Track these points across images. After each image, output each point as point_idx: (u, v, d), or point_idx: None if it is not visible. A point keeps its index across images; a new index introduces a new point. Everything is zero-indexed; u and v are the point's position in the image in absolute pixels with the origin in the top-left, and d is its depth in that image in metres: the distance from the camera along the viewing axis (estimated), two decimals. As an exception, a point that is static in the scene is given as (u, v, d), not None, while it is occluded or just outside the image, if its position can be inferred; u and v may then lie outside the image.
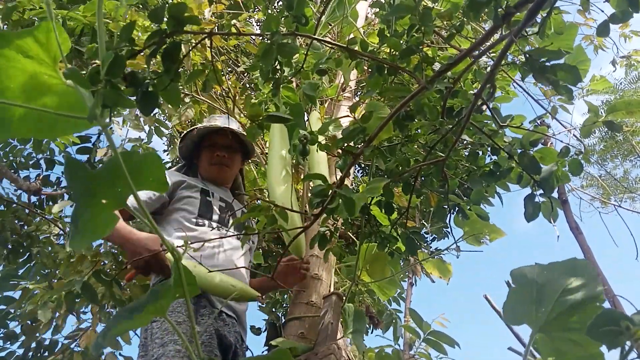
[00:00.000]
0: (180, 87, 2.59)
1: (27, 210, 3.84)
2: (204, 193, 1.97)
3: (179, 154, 2.20)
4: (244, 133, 2.06)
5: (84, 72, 0.65)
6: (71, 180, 0.62)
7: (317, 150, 1.12)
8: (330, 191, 1.01)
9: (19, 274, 3.61)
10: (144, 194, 1.80)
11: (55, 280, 3.02)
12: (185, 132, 2.17)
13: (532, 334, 0.63)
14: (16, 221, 3.86)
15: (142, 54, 0.76)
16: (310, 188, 2.00)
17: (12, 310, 3.23)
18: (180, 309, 1.64)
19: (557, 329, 0.61)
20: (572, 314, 0.61)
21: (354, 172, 4.08)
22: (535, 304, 0.63)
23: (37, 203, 3.96)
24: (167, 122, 3.41)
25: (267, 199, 1.78)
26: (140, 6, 2.56)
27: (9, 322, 3.35)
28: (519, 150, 1.30)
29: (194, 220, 1.85)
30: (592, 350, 0.59)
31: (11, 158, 3.85)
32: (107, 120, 0.60)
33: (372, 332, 3.89)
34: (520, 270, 0.68)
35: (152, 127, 3.25)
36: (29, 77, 0.60)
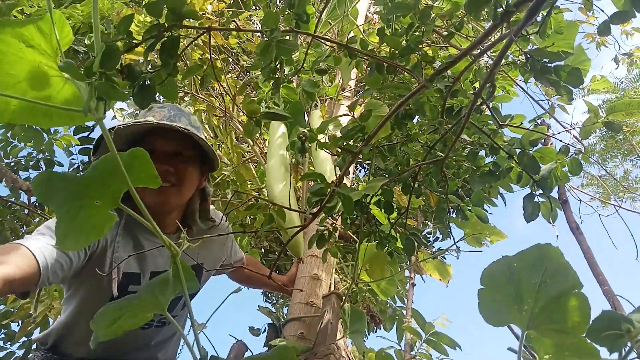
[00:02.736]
0: (180, 85, 2.57)
1: (26, 211, 3.84)
2: (128, 278, 1.28)
3: None
4: (199, 134, 1.38)
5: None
6: (46, 196, 0.61)
7: (316, 149, 1.12)
8: (329, 190, 1.01)
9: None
10: (52, 256, 1.11)
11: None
12: (97, 138, 1.36)
13: (522, 333, 0.63)
14: (15, 221, 3.86)
15: (142, 46, 0.76)
16: (310, 187, 1.99)
17: (13, 310, 3.23)
18: None
19: (544, 322, 0.62)
20: (555, 306, 0.61)
21: (355, 171, 4.07)
22: (516, 302, 0.63)
23: (37, 203, 3.96)
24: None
25: (266, 198, 1.78)
26: (139, 6, 2.56)
27: (11, 322, 3.36)
28: (518, 150, 1.29)
29: None
30: (582, 338, 0.60)
31: (12, 159, 3.85)
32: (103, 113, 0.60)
33: (375, 332, 3.88)
34: (490, 268, 0.68)
35: None
36: (29, 66, 0.60)
